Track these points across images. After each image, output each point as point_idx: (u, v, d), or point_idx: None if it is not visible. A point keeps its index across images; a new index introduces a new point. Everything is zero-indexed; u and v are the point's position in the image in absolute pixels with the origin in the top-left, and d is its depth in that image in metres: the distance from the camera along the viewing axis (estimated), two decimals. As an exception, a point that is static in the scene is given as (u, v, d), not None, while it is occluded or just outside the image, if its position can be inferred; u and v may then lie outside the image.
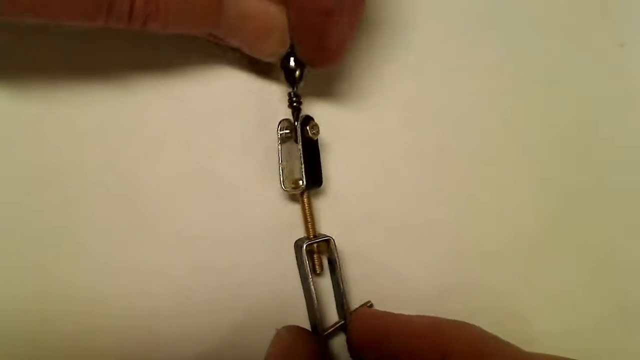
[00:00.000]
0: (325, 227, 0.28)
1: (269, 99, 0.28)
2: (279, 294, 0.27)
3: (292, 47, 0.26)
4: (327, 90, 0.29)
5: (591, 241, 0.30)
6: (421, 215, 0.29)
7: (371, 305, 0.28)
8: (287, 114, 0.27)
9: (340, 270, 0.27)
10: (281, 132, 0.27)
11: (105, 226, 0.26)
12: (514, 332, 0.26)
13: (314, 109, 0.28)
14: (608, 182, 0.31)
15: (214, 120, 0.28)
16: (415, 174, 0.29)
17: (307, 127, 0.26)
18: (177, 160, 0.27)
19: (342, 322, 0.27)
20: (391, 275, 0.28)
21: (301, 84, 0.27)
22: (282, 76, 0.27)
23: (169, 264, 0.26)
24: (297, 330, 0.26)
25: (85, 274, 0.26)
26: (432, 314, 0.26)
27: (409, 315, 0.26)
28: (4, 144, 0.26)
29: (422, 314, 0.26)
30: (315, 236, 0.27)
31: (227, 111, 0.28)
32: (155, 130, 0.27)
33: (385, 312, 0.27)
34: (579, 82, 0.32)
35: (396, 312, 0.27)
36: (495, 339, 0.24)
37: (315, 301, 0.26)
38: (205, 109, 0.28)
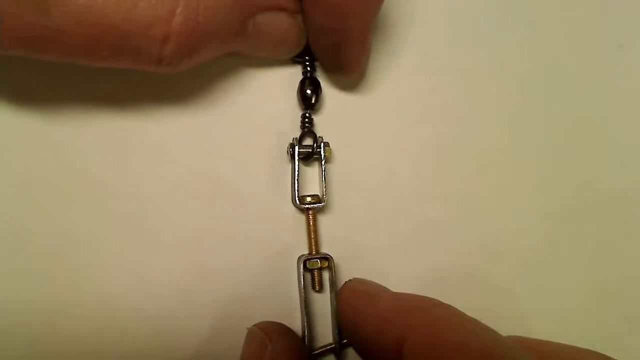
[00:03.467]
0: (327, 243, 0.28)
1: (281, 115, 0.29)
2: (281, 307, 0.27)
3: (309, 71, 0.28)
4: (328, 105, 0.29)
5: (594, 243, 0.30)
6: (422, 220, 0.29)
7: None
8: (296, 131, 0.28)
9: (335, 290, 0.27)
10: (293, 149, 0.27)
11: (108, 228, 0.27)
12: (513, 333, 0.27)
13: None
14: (610, 182, 0.31)
15: (224, 128, 0.28)
16: (418, 180, 0.29)
17: (328, 148, 0.28)
18: (182, 164, 0.27)
19: (333, 345, 0.27)
20: (390, 282, 0.27)
21: (316, 107, 0.28)
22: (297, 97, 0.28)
23: (172, 267, 0.27)
24: (271, 326, 0.25)
25: (88, 275, 0.26)
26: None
27: (381, 292, 0.25)
28: (6, 148, 0.26)
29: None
30: (316, 252, 0.27)
31: (237, 122, 0.28)
32: (160, 134, 0.27)
33: (365, 287, 0.25)
34: (578, 82, 0.31)
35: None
36: (466, 325, 0.21)
37: (305, 320, 0.26)
38: (214, 117, 0.28)
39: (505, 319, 0.28)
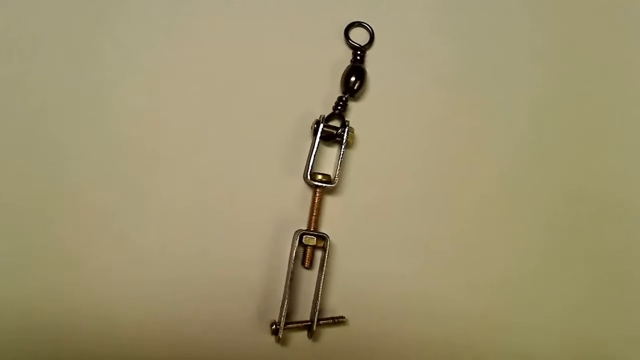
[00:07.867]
0: (328, 224, 0.29)
1: (320, 94, 0.29)
2: (271, 279, 0.28)
3: (359, 59, 0.29)
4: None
5: (587, 250, 0.30)
6: (425, 221, 0.29)
7: (344, 320, 0.27)
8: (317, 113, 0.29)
9: (325, 269, 0.27)
10: (317, 126, 0.28)
11: (107, 209, 0.28)
12: (506, 345, 0.29)
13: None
14: (610, 187, 0.30)
15: (225, 102, 0.29)
16: (429, 184, 0.30)
17: (352, 134, 0.28)
18: (178, 141, 0.29)
19: (309, 322, 0.27)
20: (382, 277, 0.29)
21: (356, 95, 0.29)
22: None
23: (168, 249, 0.28)
24: None
25: (77, 270, 0.27)
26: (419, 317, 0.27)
27: None
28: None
29: (407, 313, 0.27)
30: (314, 230, 0.28)
31: (241, 98, 0.29)
32: (150, 116, 0.29)
33: None
34: (577, 85, 0.31)
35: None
36: None
37: (287, 293, 0.27)
38: (222, 93, 0.29)
39: (492, 324, 0.29)
